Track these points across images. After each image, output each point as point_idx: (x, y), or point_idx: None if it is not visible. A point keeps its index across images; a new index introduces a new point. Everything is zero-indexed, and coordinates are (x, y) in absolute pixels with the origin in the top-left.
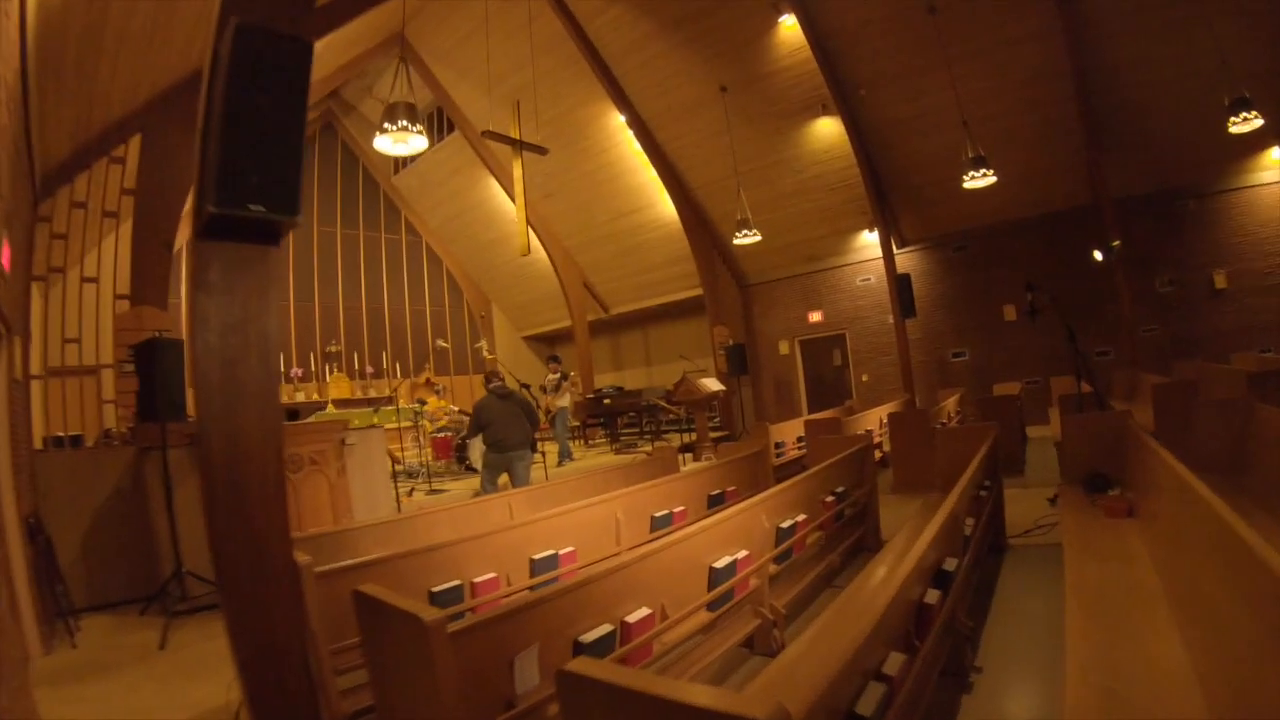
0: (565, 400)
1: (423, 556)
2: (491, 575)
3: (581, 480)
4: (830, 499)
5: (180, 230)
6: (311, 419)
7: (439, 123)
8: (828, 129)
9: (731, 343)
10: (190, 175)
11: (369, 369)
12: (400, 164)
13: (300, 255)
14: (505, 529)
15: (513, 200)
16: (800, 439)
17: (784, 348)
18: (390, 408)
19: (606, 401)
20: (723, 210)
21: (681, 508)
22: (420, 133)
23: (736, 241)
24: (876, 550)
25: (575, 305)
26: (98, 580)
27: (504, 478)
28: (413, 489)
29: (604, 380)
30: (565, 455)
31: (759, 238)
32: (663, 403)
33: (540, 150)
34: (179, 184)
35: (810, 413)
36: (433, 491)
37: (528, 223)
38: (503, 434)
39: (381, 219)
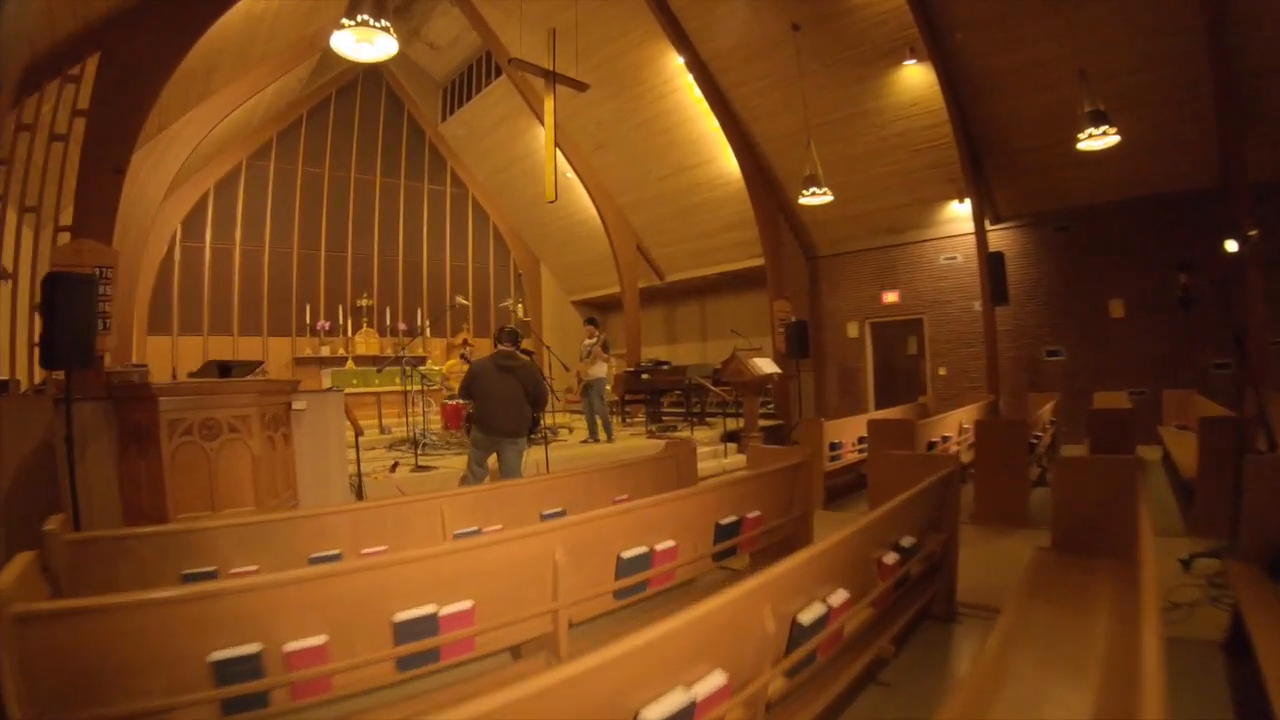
0: (601, 370)
1: (213, 604)
2: (319, 641)
3: (563, 482)
4: (892, 559)
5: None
6: (251, 377)
7: (487, 66)
8: (915, 78)
9: (793, 319)
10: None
11: (402, 326)
12: (447, 110)
13: (335, 202)
14: (364, 568)
15: (560, 149)
16: (861, 440)
17: (852, 330)
18: (408, 368)
19: (645, 377)
20: (790, 169)
21: (671, 543)
22: (388, 30)
23: (804, 200)
24: (949, 620)
25: (626, 270)
26: (16, 549)
27: (494, 458)
28: (397, 463)
29: (655, 354)
30: (594, 434)
31: (829, 198)
32: (706, 383)
33: (579, 85)
34: (140, 104)
35: (877, 407)
36: (419, 468)
37: (581, 181)
38: (491, 413)
39: (425, 168)
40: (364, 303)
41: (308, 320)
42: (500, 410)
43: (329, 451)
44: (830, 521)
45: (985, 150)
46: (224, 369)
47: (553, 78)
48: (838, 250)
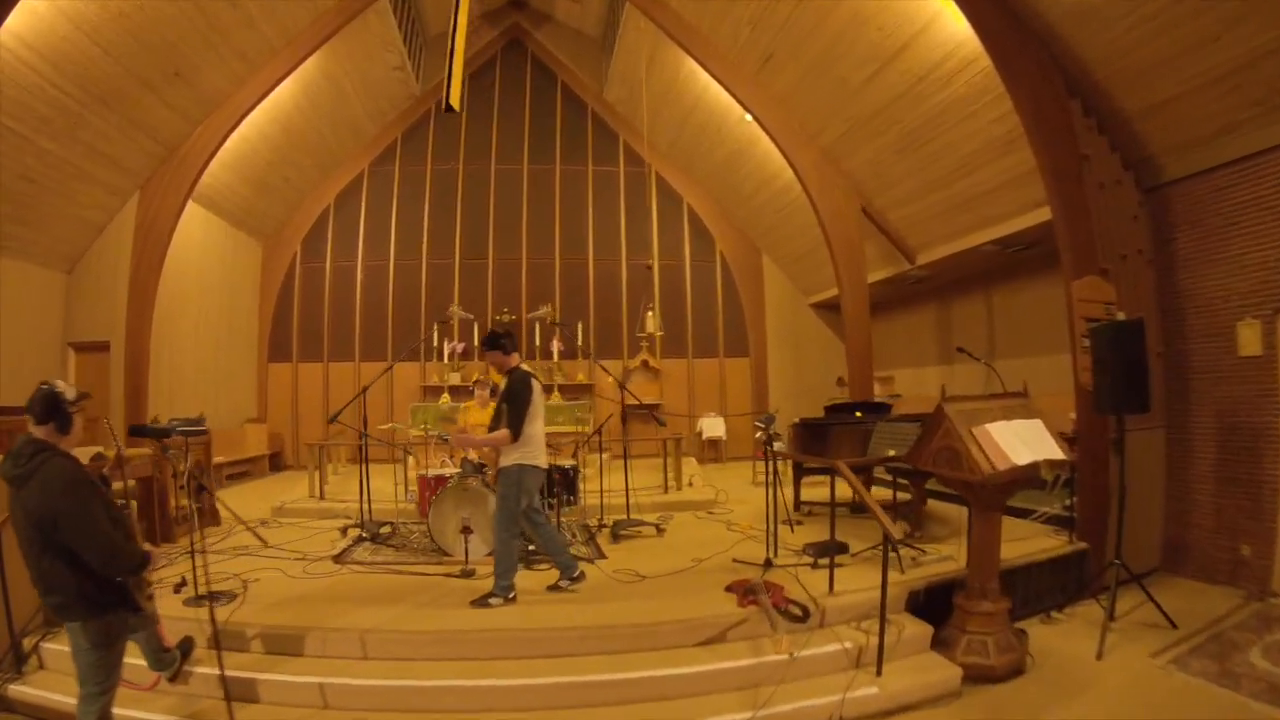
0: (528, 448)
1: None
2: None
3: None
4: None
5: None
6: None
7: None
8: None
9: (1119, 315)
10: None
11: (557, 346)
12: (605, 74)
13: (471, 201)
14: None
15: (717, 79)
16: None
17: (1248, 339)
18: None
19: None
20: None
21: None
22: None
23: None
24: None
25: (845, 249)
26: None
27: None
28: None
29: (916, 381)
30: (564, 571)
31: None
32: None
33: None
34: None
35: None
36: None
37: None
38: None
39: (588, 147)
40: (504, 318)
41: (435, 343)
42: None
43: None
44: None
45: None
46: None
47: None
48: (1214, 160)
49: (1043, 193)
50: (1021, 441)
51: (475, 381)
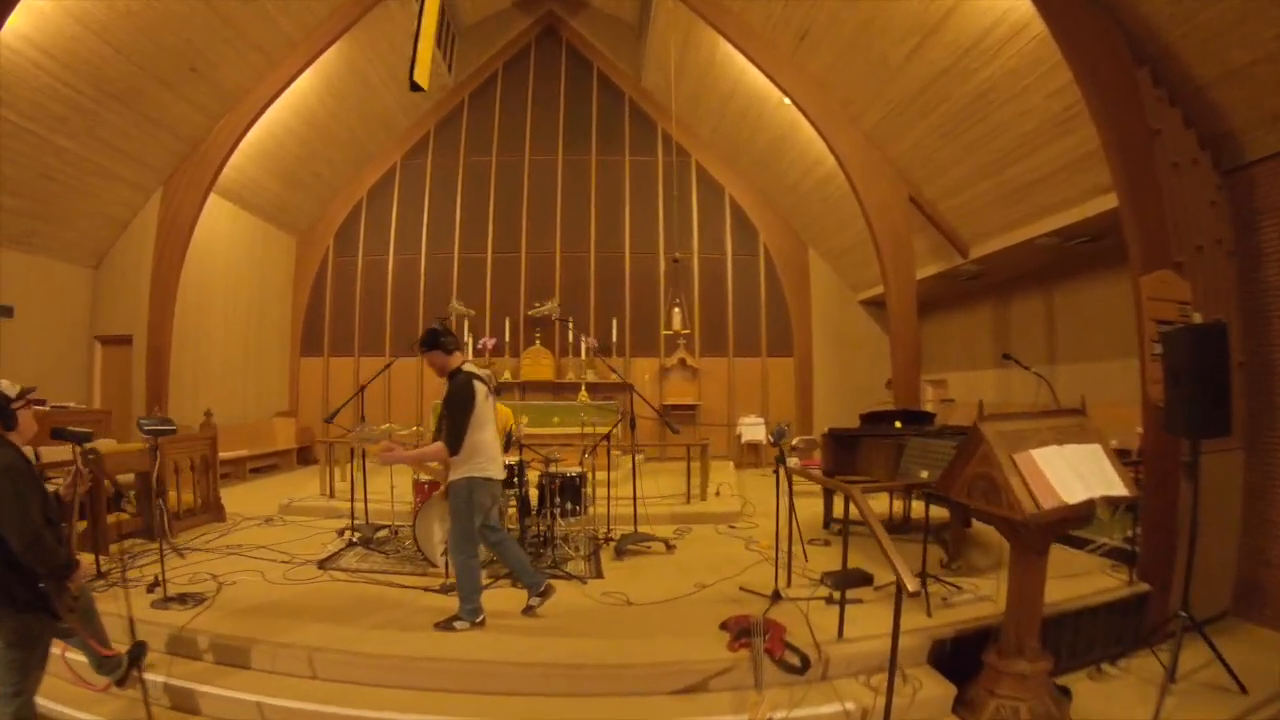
0: (477, 460)
1: None
2: None
3: None
4: None
5: None
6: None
7: None
8: None
9: (1195, 317)
10: None
11: (590, 342)
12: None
13: (504, 193)
14: None
15: (751, 60)
16: None
17: None
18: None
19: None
20: None
21: None
22: None
23: None
24: None
25: (888, 239)
26: None
27: None
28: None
29: (970, 385)
30: (533, 590)
31: None
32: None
33: None
34: None
35: None
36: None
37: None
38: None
39: (625, 136)
40: (536, 312)
41: (466, 338)
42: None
43: None
44: None
45: None
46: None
47: None
48: None
49: (1106, 176)
50: (1075, 473)
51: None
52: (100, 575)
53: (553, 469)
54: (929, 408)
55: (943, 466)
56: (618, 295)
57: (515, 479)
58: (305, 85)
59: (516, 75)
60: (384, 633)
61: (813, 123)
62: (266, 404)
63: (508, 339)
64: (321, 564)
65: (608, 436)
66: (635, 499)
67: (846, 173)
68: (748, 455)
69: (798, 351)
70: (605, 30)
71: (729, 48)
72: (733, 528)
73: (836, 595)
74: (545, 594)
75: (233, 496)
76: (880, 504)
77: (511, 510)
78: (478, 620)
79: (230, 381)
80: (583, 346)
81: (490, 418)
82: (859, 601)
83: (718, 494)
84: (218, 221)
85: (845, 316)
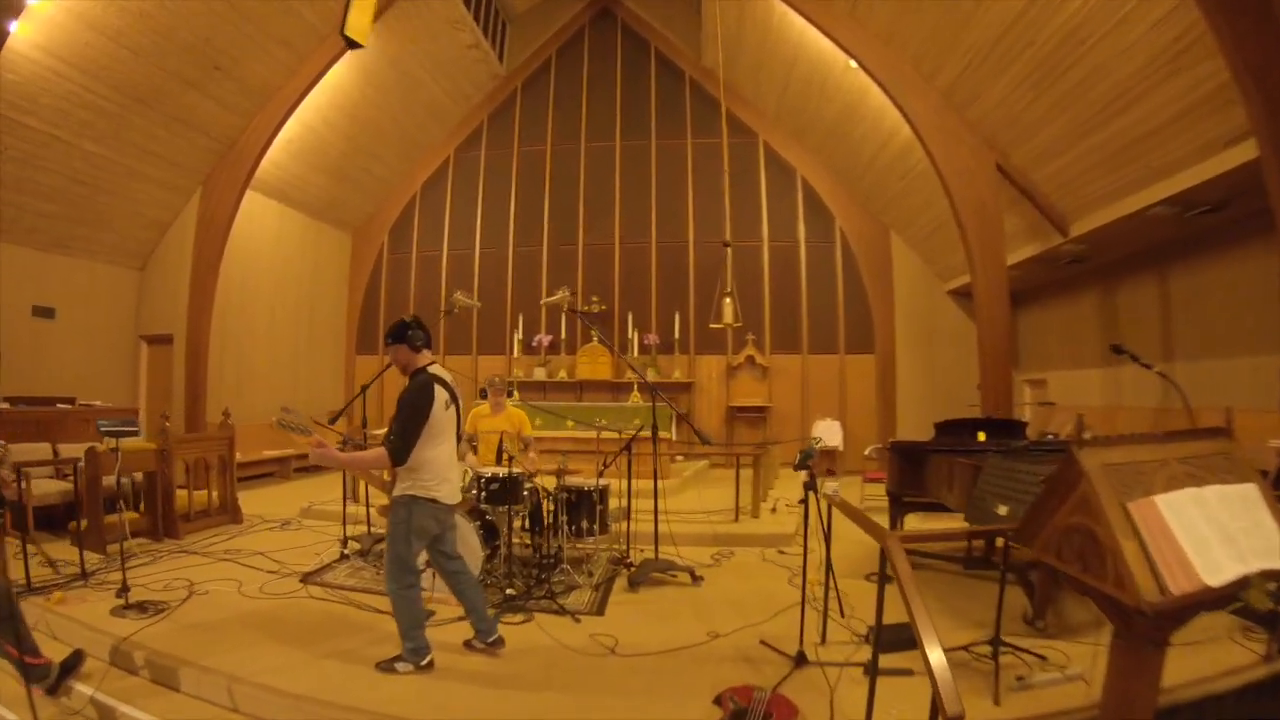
0: (425, 480)
1: None
2: None
3: None
4: None
5: None
6: None
7: None
8: None
9: None
10: None
11: (650, 339)
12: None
13: (560, 182)
14: None
15: (808, 19)
16: None
17: None
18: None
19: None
20: None
21: None
22: None
23: None
24: None
25: (973, 216)
26: None
27: None
28: None
29: (1074, 386)
30: (480, 629)
31: None
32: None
33: None
34: None
35: None
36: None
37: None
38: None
39: (687, 119)
40: (594, 308)
41: (520, 335)
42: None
43: None
44: None
45: None
46: None
47: None
48: None
49: (1230, 124)
50: (1221, 534)
51: (488, 383)
52: (83, 576)
53: (566, 481)
54: (1025, 412)
55: (1030, 501)
56: (680, 287)
57: (523, 492)
58: (344, 78)
59: (570, 60)
60: (331, 664)
61: (881, 85)
62: (319, 403)
63: (563, 336)
64: (305, 578)
65: (629, 447)
66: (656, 521)
67: (922, 140)
68: (822, 463)
69: (879, 348)
70: (662, 8)
71: (784, 9)
72: (781, 553)
73: (887, 660)
74: (494, 645)
75: (268, 497)
76: (958, 525)
77: (518, 522)
78: (423, 663)
79: (277, 380)
80: (650, 341)
81: (447, 431)
82: (906, 673)
83: (774, 510)
84: (263, 220)
85: (932, 308)
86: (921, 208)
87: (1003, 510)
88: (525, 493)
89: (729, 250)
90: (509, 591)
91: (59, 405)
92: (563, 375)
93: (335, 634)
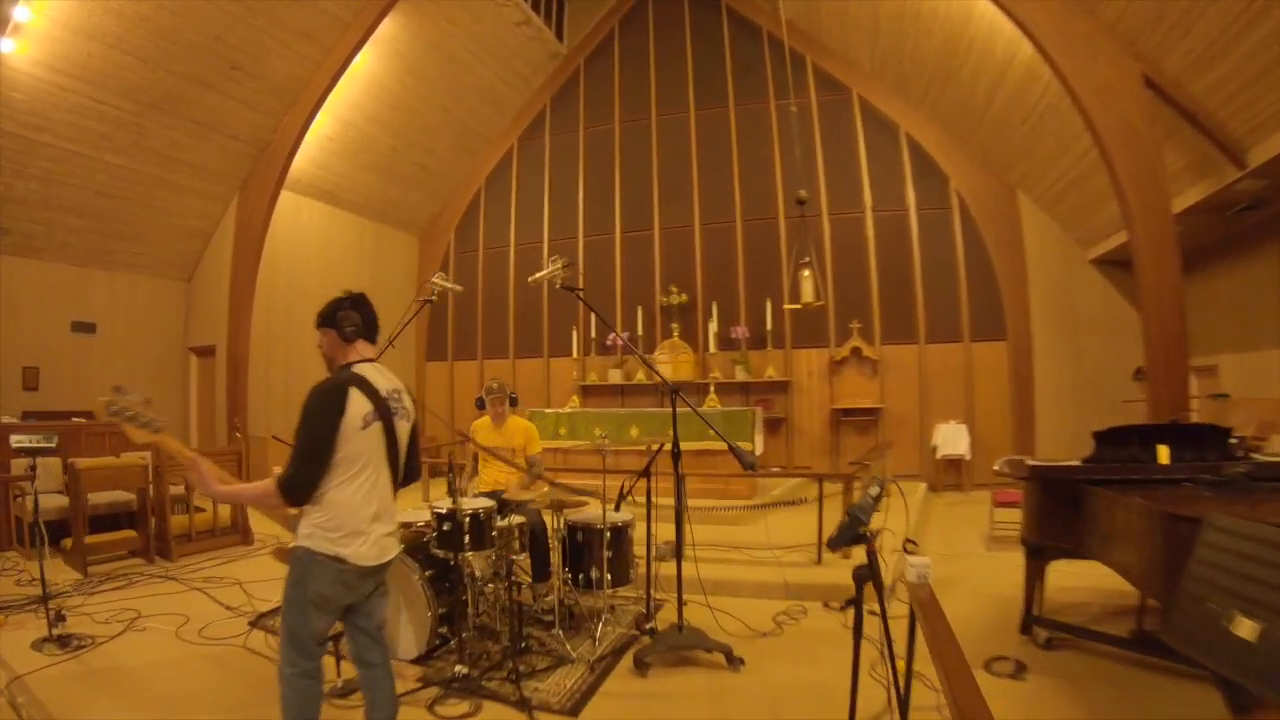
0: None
1: None
2: None
3: None
4: None
5: None
6: None
7: None
8: None
9: None
10: None
11: (739, 331)
12: None
13: (631, 161)
14: None
15: None
16: None
17: None
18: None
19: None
20: None
21: None
22: None
23: None
24: None
25: (1122, 148)
26: None
27: None
28: None
29: (1250, 373)
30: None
31: None
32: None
33: None
34: None
35: None
36: None
37: None
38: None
39: (768, 79)
40: (675, 298)
41: (592, 334)
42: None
43: None
44: None
45: None
46: None
47: None
48: None
49: None
50: None
51: (485, 389)
52: (43, 599)
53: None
54: (1192, 407)
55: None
56: (772, 270)
57: (491, 534)
58: (379, 69)
59: (635, 30)
60: None
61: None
62: None
63: (640, 332)
64: (256, 620)
65: (647, 470)
66: (680, 573)
67: (1046, 53)
68: (946, 475)
69: (1012, 334)
70: None
71: None
72: (871, 614)
73: None
74: None
75: None
76: (1115, 583)
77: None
78: None
79: None
80: (739, 335)
81: (366, 459)
82: None
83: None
84: (310, 223)
85: (1074, 283)
86: (1054, 156)
87: (1247, 627)
88: (494, 534)
89: (803, 206)
90: (459, 669)
91: (74, 419)
92: (640, 377)
93: (250, 703)
